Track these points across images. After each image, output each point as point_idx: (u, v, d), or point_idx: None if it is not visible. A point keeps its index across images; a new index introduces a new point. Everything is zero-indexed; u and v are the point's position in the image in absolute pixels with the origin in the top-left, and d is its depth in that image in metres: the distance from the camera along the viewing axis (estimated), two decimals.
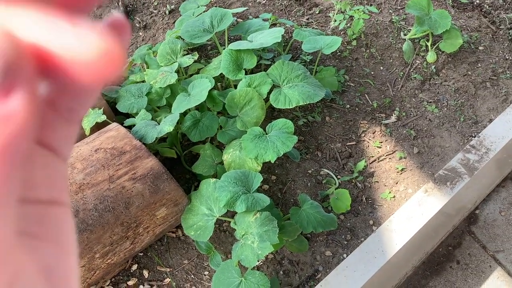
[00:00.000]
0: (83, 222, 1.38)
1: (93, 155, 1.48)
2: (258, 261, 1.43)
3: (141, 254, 1.75)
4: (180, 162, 1.94)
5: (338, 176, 1.92)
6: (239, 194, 1.45)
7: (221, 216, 1.50)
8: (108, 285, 1.69)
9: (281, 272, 1.66)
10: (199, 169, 1.69)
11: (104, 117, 1.66)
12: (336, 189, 1.84)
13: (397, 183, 1.91)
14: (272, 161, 1.55)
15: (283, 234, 1.61)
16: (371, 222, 1.78)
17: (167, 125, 1.56)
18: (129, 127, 1.74)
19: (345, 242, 1.73)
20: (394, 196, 1.86)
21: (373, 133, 2.08)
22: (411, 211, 1.79)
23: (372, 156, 2.00)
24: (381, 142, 2.05)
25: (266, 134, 1.65)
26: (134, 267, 1.73)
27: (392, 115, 2.15)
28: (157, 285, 1.68)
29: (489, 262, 1.98)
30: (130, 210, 1.45)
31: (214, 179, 1.57)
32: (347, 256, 1.69)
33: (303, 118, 2.12)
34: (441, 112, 2.16)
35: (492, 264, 1.99)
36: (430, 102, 2.20)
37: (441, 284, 1.87)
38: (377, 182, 1.91)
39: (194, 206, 1.56)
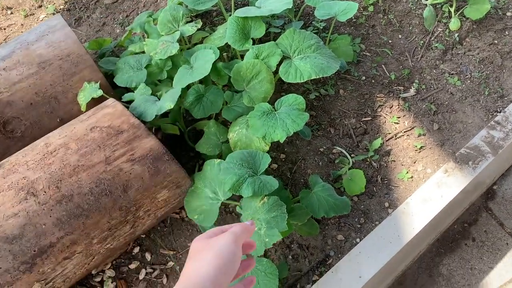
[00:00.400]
0: (78, 207, 1.29)
1: (88, 134, 1.37)
2: (266, 249, 1.34)
3: (143, 236, 1.67)
4: (184, 139, 1.83)
5: (352, 155, 1.80)
6: (245, 177, 1.34)
7: (227, 199, 1.40)
8: (109, 268, 1.62)
9: (290, 257, 1.57)
10: (203, 148, 1.58)
11: (100, 92, 1.54)
12: (349, 169, 1.73)
13: (415, 162, 1.79)
14: (281, 141, 1.43)
15: (292, 218, 1.51)
16: (386, 204, 1.67)
17: (167, 101, 1.44)
18: (129, 103, 1.62)
19: (359, 226, 1.63)
20: (411, 177, 1.74)
21: (390, 107, 1.95)
22: (429, 193, 1.68)
23: (389, 133, 1.87)
24: (399, 118, 1.91)
25: (275, 110, 1.53)
26: (136, 249, 1.65)
27: (411, 88, 2.00)
28: (160, 269, 1.60)
29: (506, 239, 1.88)
30: (129, 193, 1.35)
31: (218, 160, 1.46)
32: (360, 241, 1.59)
33: (315, 92, 1.98)
34: (464, 85, 2.01)
35: (509, 241, 1.88)
36: (452, 74, 2.05)
37: (455, 262, 1.78)
38: (394, 161, 1.79)
39: (198, 189, 1.46)
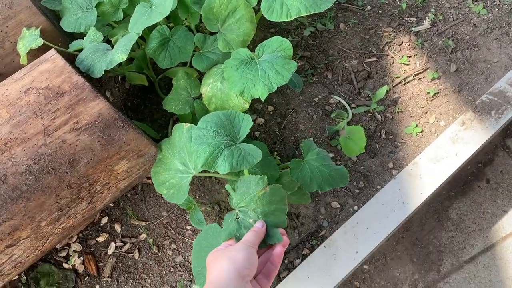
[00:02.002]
0: (15, 189, 1.07)
1: (22, 98, 1.12)
2: None
3: (112, 205, 1.48)
4: (155, 90, 1.57)
5: (352, 105, 1.53)
6: (221, 148, 1.09)
7: (200, 173, 1.16)
8: (75, 241, 1.45)
9: None
10: (171, 105, 1.32)
11: (40, 41, 1.25)
12: (348, 123, 1.46)
13: (426, 113, 1.51)
14: (262, 99, 1.17)
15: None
16: (390, 165, 1.43)
17: (119, 51, 1.16)
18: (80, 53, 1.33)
19: (357, 191, 1.40)
20: (421, 131, 1.48)
21: (400, 44, 1.63)
22: (442, 150, 1.43)
23: (397, 77, 1.57)
24: (409, 58, 1.61)
25: (256, 58, 1.24)
26: (104, 220, 1.47)
27: (425, 20, 1.66)
28: (131, 242, 1.42)
29: None
30: (77, 169, 1.12)
31: (188, 125, 1.20)
32: (358, 209, 1.38)
33: (310, 27, 1.66)
34: (490, 15, 1.66)
35: None
36: (477, 1, 1.69)
37: (466, 206, 1.58)
38: (401, 112, 1.52)
39: (166, 158, 1.22)
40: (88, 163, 1.15)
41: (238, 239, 1.05)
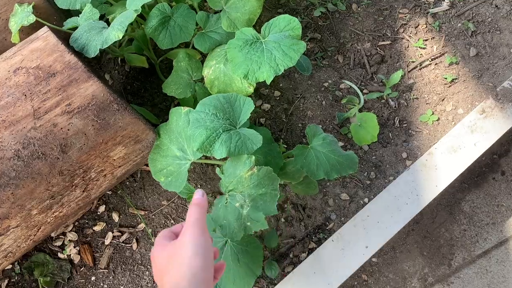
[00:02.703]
0: (2, 175, 1.01)
1: (11, 78, 1.05)
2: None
3: (109, 192, 1.42)
4: (156, 73, 1.49)
5: (364, 91, 1.45)
6: (219, 131, 1.03)
7: (199, 159, 1.10)
8: (71, 230, 1.40)
9: (283, 220, 1.31)
10: (170, 88, 1.25)
11: (32, 18, 1.18)
12: (360, 110, 1.38)
13: (443, 100, 1.43)
14: (268, 82, 1.09)
15: (284, 176, 1.23)
16: (404, 155, 1.35)
17: (115, 29, 1.09)
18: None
19: (368, 182, 1.33)
20: (438, 119, 1.40)
21: (416, 27, 1.54)
22: (460, 140, 1.35)
23: (412, 61, 1.49)
24: (426, 41, 1.51)
25: (262, 39, 1.16)
26: (102, 208, 1.41)
27: (443, 1, 1.57)
28: (129, 232, 1.37)
29: None
30: (70, 154, 1.06)
31: (186, 109, 1.13)
32: (369, 201, 1.30)
33: (321, 7, 1.57)
34: None
35: None
36: None
37: (480, 198, 1.50)
38: (417, 98, 1.43)
39: (164, 144, 1.16)
40: (81, 148, 1.08)
41: (223, 227, 0.98)
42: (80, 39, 1.16)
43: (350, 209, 1.31)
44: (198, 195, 0.74)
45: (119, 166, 1.21)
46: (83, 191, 1.19)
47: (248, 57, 1.15)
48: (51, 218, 1.19)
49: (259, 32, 1.19)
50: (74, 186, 1.15)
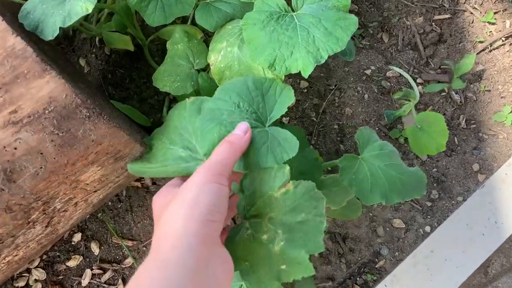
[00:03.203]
0: None
1: None
2: None
3: (88, 216, 1.09)
4: (144, 57, 1.16)
5: (419, 80, 1.12)
6: None
7: None
8: (38, 266, 1.08)
9: (316, 255, 0.99)
10: (164, 82, 0.92)
11: None
12: (416, 106, 1.06)
13: None
14: (305, 74, 0.76)
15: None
16: (475, 166, 1.04)
17: (82, 0, 0.74)
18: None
19: (428, 204, 1.02)
20: None
21: None
22: None
23: (480, 41, 1.15)
24: (496, 14, 1.18)
25: (294, 11, 0.83)
26: (77, 237, 1.10)
27: None
28: (112, 269, 1.06)
29: None
30: (20, 183, 0.74)
31: (192, 98, 0.81)
32: (431, 231, 0.99)
33: None
34: None
35: None
36: None
37: None
38: (488, 91, 1.11)
39: (157, 152, 0.83)
40: (36, 174, 0.75)
41: (244, 273, 0.67)
42: (33, 13, 0.82)
43: (406, 240, 1.00)
44: (238, 129, 0.61)
45: (95, 191, 0.89)
46: (46, 227, 0.87)
47: (274, 38, 0.81)
48: (3, 265, 0.87)
49: (288, 2, 0.84)
50: (31, 223, 0.83)
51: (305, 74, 0.79)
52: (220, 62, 0.90)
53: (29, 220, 0.82)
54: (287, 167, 0.65)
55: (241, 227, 0.68)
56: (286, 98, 0.73)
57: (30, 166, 0.75)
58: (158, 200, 0.59)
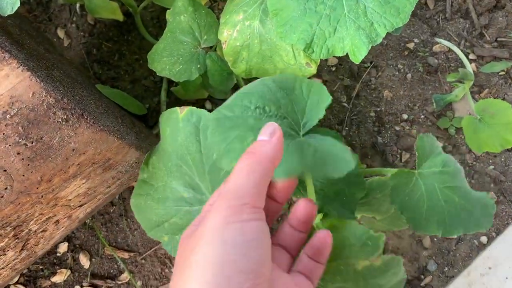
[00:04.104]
0: None
1: None
2: None
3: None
4: (136, 27, 0.96)
5: (471, 56, 0.93)
6: None
7: None
8: (17, 282, 0.92)
9: None
10: (163, 64, 0.74)
11: None
12: (471, 89, 0.88)
13: None
14: (357, 59, 0.58)
15: (362, 207, 0.77)
16: None
17: None
18: None
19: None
20: None
21: None
22: None
23: None
24: None
25: None
26: (63, 247, 0.94)
27: None
28: (106, 287, 0.90)
29: None
30: None
31: (186, 110, 0.64)
32: (489, 242, 0.84)
33: None
34: None
35: None
36: None
37: None
38: None
39: (155, 177, 0.66)
40: (0, 197, 0.57)
41: None
42: None
43: (458, 254, 0.85)
44: (264, 134, 0.41)
45: (80, 206, 0.71)
46: (21, 250, 0.71)
47: (311, 8, 0.63)
48: None
49: None
50: (0, 251, 0.66)
51: (356, 59, 0.60)
52: (236, 40, 0.71)
53: None
54: (383, 237, 0.48)
55: None
56: (319, 98, 0.54)
57: None
58: (183, 240, 0.40)
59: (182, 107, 0.60)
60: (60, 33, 1.03)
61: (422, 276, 0.85)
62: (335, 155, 0.50)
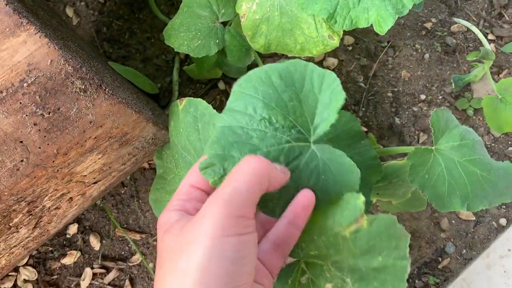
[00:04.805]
0: None
1: None
2: None
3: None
4: (147, 4, 0.94)
5: (490, 36, 0.92)
6: (279, 159, 0.48)
7: None
8: (27, 264, 0.91)
9: None
10: (180, 39, 0.72)
11: None
12: (491, 68, 0.86)
13: None
14: (383, 31, 0.56)
15: (379, 191, 0.76)
16: None
17: None
18: None
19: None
20: None
21: None
22: None
23: None
24: None
25: None
26: (73, 228, 0.93)
27: None
28: (117, 268, 0.90)
29: None
30: None
31: (184, 101, 0.61)
32: (508, 224, 0.83)
33: None
34: None
35: None
36: None
37: None
38: None
39: (169, 172, 0.65)
40: (16, 169, 0.57)
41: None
42: None
43: (477, 236, 0.84)
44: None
45: (95, 183, 0.70)
46: (34, 228, 0.70)
47: None
48: None
49: None
50: (13, 227, 0.65)
51: (382, 30, 0.59)
52: (255, 13, 0.69)
53: (10, 224, 0.64)
54: (361, 198, 0.45)
55: (295, 268, 0.50)
56: (331, 95, 0.48)
57: (6, 160, 0.55)
58: (169, 236, 0.38)
59: (181, 98, 0.59)
60: (69, 11, 1.02)
61: (440, 259, 0.84)
62: (340, 171, 0.48)
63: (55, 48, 0.53)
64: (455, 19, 0.93)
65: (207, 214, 0.35)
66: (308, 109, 0.48)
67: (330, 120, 0.46)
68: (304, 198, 0.43)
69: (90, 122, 0.58)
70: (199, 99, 0.58)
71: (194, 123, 0.58)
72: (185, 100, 0.58)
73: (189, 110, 0.58)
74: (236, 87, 0.47)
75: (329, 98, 0.46)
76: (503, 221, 0.85)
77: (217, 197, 0.36)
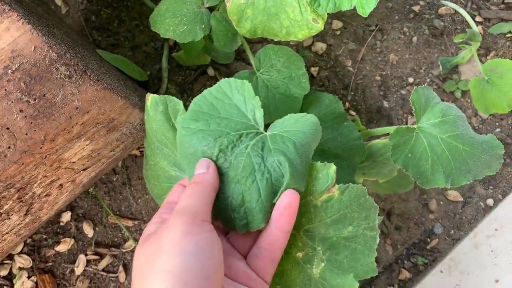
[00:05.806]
0: None
1: None
2: None
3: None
4: None
5: (477, 18, 0.92)
6: (226, 142, 0.50)
7: None
8: (21, 252, 0.92)
9: None
10: (165, 25, 0.73)
11: None
12: (478, 50, 0.87)
13: None
14: (366, 13, 0.57)
15: (363, 171, 0.77)
16: None
17: None
18: None
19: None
20: None
21: None
22: None
23: None
24: None
25: None
26: (66, 216, 0.93)
27: None
28: (111, 255, 0.91)
29: None
30: None
31: (150, 97, 0.58)
32: (495, 205, 0.84)
33: None
34: None
35: None
36: None
37: None
38: None
39: (149, 156, 0.65)
40: (3, 156, 0.57)
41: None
42: None
43: (464, 216, 0.85)
44: (201, 168, 0.46)
45: (84, 169, 0.71)
46: (25, 215, 0.71)
47: None
48: None
49: None
50: (4, 214, 0.66)
51: (364, 12, 0.59)
52: None
53: (1, 211, 0.65)
54: (333, 167, 0.47)
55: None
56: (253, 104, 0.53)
57: None
58: (140, 251, 0.43)
59: (148, 94, 0.57)
60: (58, 0, 1.02)
61: (429, 239, 0.85)
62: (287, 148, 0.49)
63: (38, 35, 0.53)
64: (443, 2, 0.93)
65: (167, 226, 0.40)
66: (246, 109, 0.51)
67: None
68: (285, 198, 0.45)
69: (76, 108, 0.59)
70: (166, 96, 0.55)
71: (167, 121, 0.57)
72: (150, 97, 0.56)
73: (157, 108, 0.56)
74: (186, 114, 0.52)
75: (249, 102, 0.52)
76: (490, 202, 0.86)
77: (175, 211, 0.42)
